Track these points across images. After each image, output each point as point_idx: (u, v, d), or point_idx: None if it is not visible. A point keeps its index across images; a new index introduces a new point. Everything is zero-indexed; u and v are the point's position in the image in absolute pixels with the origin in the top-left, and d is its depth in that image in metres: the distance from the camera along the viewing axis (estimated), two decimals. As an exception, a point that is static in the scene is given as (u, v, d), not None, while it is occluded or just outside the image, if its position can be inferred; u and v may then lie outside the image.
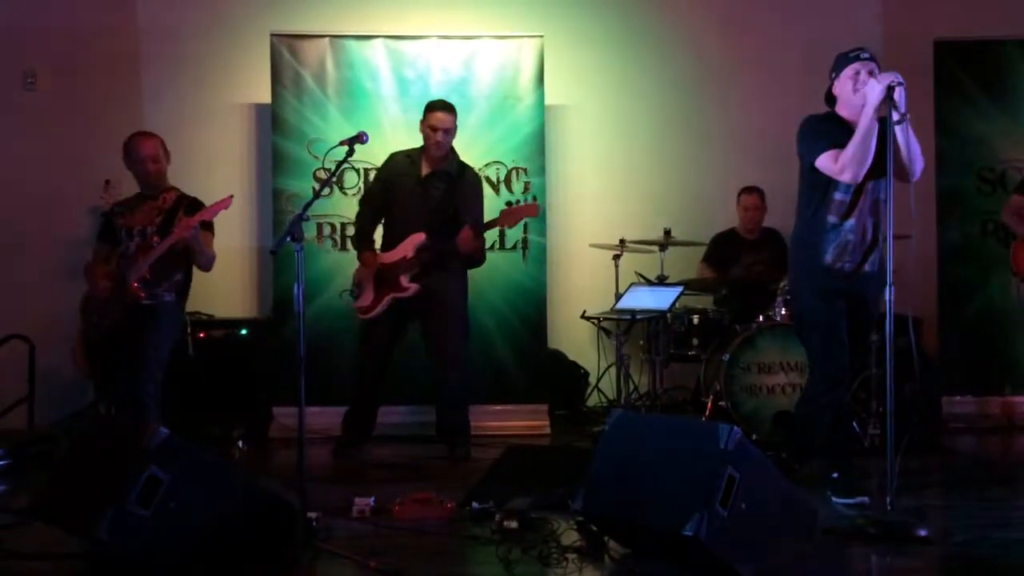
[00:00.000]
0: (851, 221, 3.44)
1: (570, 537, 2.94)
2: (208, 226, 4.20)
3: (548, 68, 5.22)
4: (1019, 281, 4.89)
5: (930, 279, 5.23)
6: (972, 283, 5.27)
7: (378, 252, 4.44)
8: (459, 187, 4.37)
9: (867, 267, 3.47)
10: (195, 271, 4.22)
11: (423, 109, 4.42)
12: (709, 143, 5.82)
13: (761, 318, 4.77)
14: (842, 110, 3.50)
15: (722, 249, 5.42)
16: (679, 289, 4.91)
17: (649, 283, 5.22)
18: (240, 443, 4.67)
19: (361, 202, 4.64)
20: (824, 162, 3.41)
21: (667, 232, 5.22)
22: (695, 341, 5.08)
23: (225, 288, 5.31)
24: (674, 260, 5.35)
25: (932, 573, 2.85)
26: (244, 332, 5.00)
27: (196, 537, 2.63)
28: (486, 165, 5.15)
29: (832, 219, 3.47)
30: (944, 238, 5.30)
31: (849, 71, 3.44)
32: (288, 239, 3.09)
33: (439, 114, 4.32)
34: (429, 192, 4.33)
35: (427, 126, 4.32)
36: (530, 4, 5.69)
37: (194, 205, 4.16)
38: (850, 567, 2.85)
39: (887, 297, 3.15)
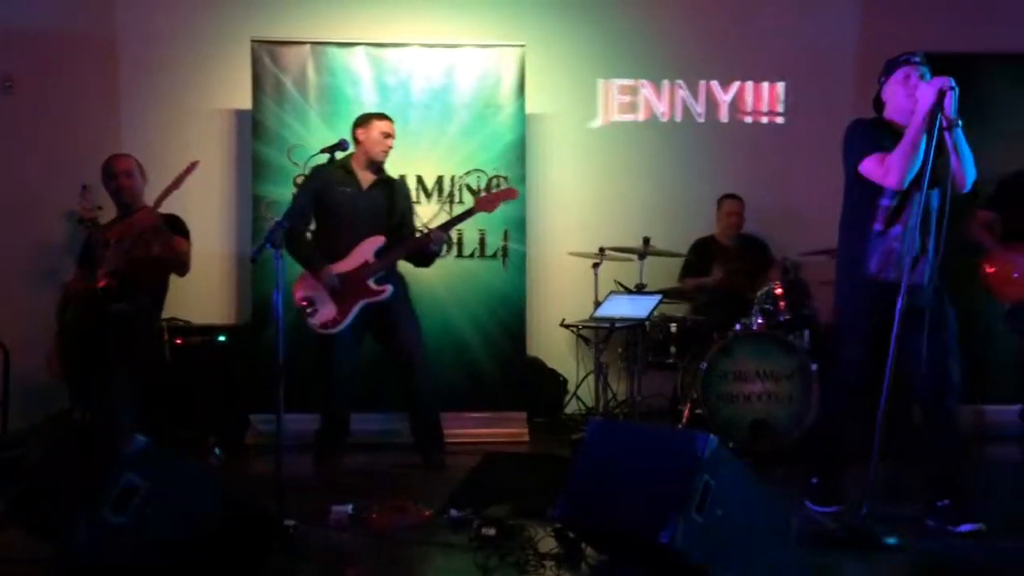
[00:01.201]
0: (897, 228, 3.28)
1: (548, 544, 2.96)
2: (183, 232, 4.22)
3: (529, 77, 5.25)
4: (991, 295, 4.94)
5: (904, 290, 5.29)
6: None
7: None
8: (398, 195, 4.46)
9: (916, 278, 3.23)
10: (172, 278, 4.23)
11: (360, 117, 4.41)
12: (688, 152, 5.87)
13: (738, 326, 4.81)
14: (891, 115, 3.37)
15: (701, 256, 5.47)
16: (657, 297, 4.94)
17: (628, 291, 5.25)
18: (217, 450, 4.64)
19: (294, 220, 4.09)
20: (869, 166, 3.27)
21: (646, 241, 5.25)
22: (673, 349, 5.10)
23: (203, 294, 5.28)
24: (653, 269, 5.39)
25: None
26: (222, 338, 4.97)
27: (172, 545, 2.61)
28: (467, 173, 5.17)
29: (877, 227, 3.32)
30: (917, 249, 5.36)
31: (899, 75, 3.31)
32: (268, 246, 3.09)
33: (388, 123, 4.37)
34: (376, 200, 4.36)
35: (379, 133, 4.33)
36: (512, 14, 5.73)
37: (171, 221, 4.17)
38: (820, 574, 2.88)
39: (897, 307, 3.07)
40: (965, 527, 3.18)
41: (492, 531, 3.04)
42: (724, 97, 5.91)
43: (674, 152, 5.88)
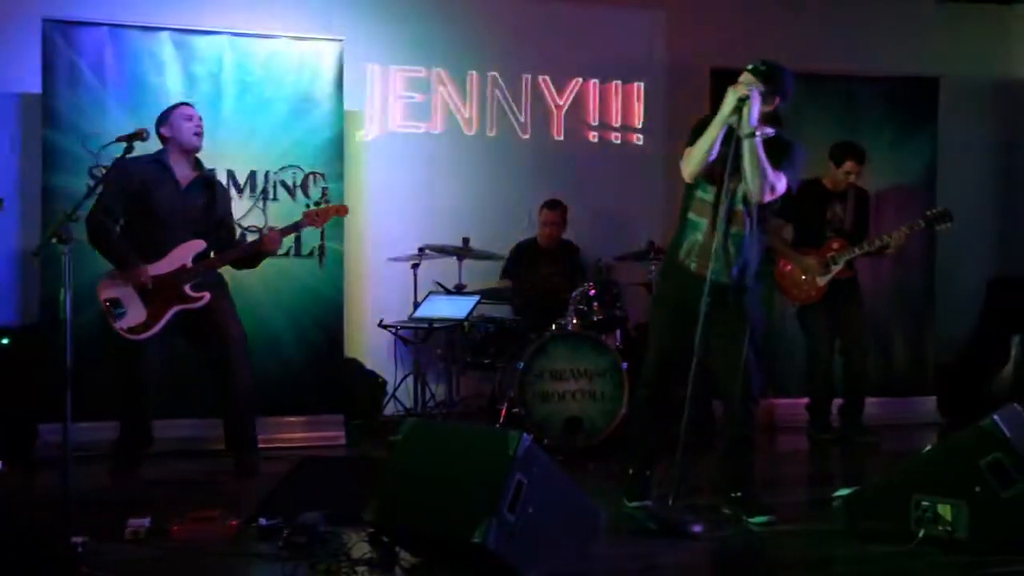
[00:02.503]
0: (704, 221, 3.38)
1: (361, 550, 2.90)
2: None
3: (348, 73, 5.14)
4: (783, 296, 5.33)
5: (706, 291, 5.59)
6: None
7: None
8: (219, 197, 4.28)
9: (715, 275, 3.31)
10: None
11: (159, 117, 4.17)
12: (508, 154, 5.94)
13: (554, 326, 4.92)
14: None
15: (521, 260, 5.56)
16: (476, 298, 4.97)
17: (447, 292, 5.26)
18: (-2, 464, 4.26)
19: (105, 213, 4.01)
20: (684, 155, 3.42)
21: (465, 241, 5.29)
22: (491, 349, 5.16)
23: (-17, 293, 4.83)
24: (472, 269, 5.42)
25: (700, 568, 3.04)
26: (5, 342, 4.57)
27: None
28: (282, 169, 5.00)
29: (692, 216, 3.44)
30: (718, 253, 5.69)
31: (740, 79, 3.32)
32: (54, 240, 2.85)
33: (185, 107, 4.18)
34: (194, 201, 4.16)
35: (181, 118, 4.11)
36: (330, 7, 5.60)
37: None
38: (629, 565, 2.99)
39: (702, 307, 3.20)
40: (758, 519, 3.38)
41: (303, 539, 2.95)
42: (542, 102, 6.00)
43: (495, 153, 5.93)
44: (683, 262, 3.45)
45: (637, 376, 4.75)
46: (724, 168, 3.26)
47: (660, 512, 3.27)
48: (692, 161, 3.35)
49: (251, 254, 4.25)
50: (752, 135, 3.21)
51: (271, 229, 4.26)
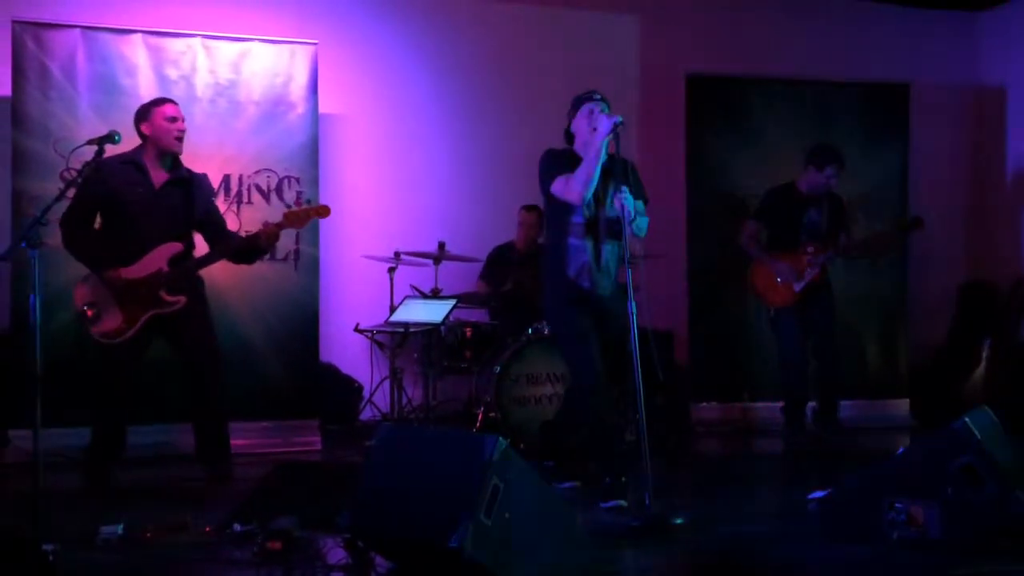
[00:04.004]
0: (588, 243, 3.67)
1: (337, 555, 2.88)
2: None
3: (323, 76, 5.13)
4: (758, 300, 5.36)
5: (680, 295, 5.63)
6: (717, 299, 5.73)
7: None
8: (196, 191, 4.15)
9: (600, 290, 3.67)
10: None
11: (140, 111, 4.06)
12: (484, 159, 5.95)
13: (530, 330, 4.92)
14: (578, 146, 3.75)
15: (497, 263, 5.55)
16: (452, 302, 4.96)
17: (423, 296, 5.25)
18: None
19: (76, 219, 4.00)
20: (557, 187, 3.65)
21: (441, 245, 5.28)
22: (468, 353, 5.15)
23: (-48, 298, 4.75)
24: (448, 273, 5.42)
25: (673, 571, 3.04)
26: (-26, 347, 4.51)
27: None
28: (256, 172, 4.98)
29: (572, 241, 3.70)
30: (692, 257, 5.74)
31: (584, 110, 3.72)
32: (23, 245, 2.82)
33: (170, 105, 4.05)
34: (170, 201, 4.05)
35: (164, 120, 4.00)
36: (304, 9, 5.58)
37: None
38: (602, 568, 2.99)
39: (630, 311, 3.33)
40: (612, 504, 3.53)
41: (278, 545, 2.92)
42: (517, 109, 5.99)
43: (471, 158, 5.93)
44: (575, 280, 3.69)
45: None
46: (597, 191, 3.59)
47: (641, 511, 3.28)
48: (583, 184, 3.56)
49: (247, 248, 4.15)
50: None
51: (265, 223, 4.13)
